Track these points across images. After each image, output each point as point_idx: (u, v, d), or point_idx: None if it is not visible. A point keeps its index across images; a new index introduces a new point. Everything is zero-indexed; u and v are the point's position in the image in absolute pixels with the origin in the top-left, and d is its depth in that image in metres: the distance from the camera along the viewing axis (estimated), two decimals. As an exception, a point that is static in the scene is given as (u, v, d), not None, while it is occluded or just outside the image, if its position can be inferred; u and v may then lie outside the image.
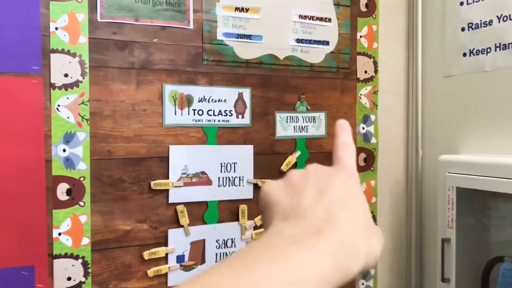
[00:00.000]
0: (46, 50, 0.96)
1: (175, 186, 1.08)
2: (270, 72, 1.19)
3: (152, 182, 1.06)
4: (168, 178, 1.08)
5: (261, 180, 1.17)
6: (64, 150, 0.98)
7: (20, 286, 0.95)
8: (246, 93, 1.16)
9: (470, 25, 1.17)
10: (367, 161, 1.32)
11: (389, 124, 1.36)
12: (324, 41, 1.24)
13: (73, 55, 0.99)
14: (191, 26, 1.10)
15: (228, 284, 0.27)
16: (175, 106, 1.09)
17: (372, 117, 1.32)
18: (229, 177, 1.14)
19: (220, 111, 1.13)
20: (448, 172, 1.11)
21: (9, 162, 0.94)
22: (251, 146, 1.17)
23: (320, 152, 1.25)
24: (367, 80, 1.31)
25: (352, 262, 0.32)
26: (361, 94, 1.30)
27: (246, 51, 1.16)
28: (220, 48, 1.13)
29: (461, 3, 1.19)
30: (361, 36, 1.30)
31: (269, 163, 1.19)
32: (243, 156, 1.16)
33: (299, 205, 0.35)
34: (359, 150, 1.30)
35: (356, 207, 0.36)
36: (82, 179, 0.99)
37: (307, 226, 0.33)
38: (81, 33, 0.99)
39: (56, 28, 0.97)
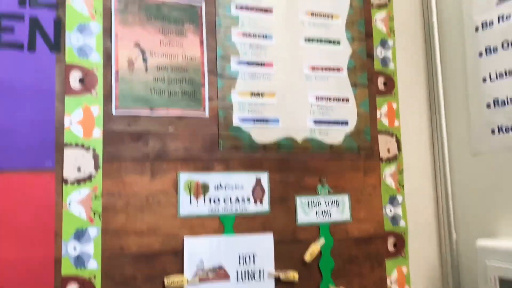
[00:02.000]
0: (59, 144, 0.95)
1: (190, 284, 1.00)
2: (288, 155, 1.15)
3: (166, 280, 0.99)
4: (182, 274, 1.01)
5: (283, 272, 1.08)
6: (74, 248, 0.93)
7: None
8: (264, 178, 1.11)
9: (495, 101, 1.12)
10: (397, 246, 1.22)
11: (418, 205, 1.28)
12: (343, 121, 1.21)
13: (87, 149, 0.97)
14: (207, 114, 1.08)
15: None
16: (190, 195, 1.04)
17: (399, 198, 1.25)
18: (248, 271, 1.06)
19: (237, 198, 1.08)
20: (488, 261, 1.01)
21: (18, 263, 0.89)
22: (271, 234, 1.10)
23: (346, 239, 1.17)
24: (390, 160, 1.25)
25: None
26: (385, 174, 1.24)
27: (263, 135, 1.13)
28: (236, 133, 1.10)
29: (484, 80, 1.16)
30: (381, 115, 1.26)
31: (291, 252, 1.12)
32: (262, 245, 1.08)
33: None
34: (387, 235, 1.22)
35: None
36: (92, 278, 0.94)
37: None
38: (96, 126, 0.99)
39: (71, 123, 0.97)
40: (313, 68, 1.20)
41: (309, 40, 1.21)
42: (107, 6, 1.03)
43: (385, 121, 1.27)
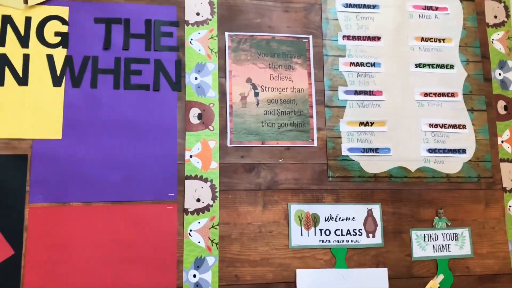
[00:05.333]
0: (181, 177, 1.02)
1: (304, 316, 1.00)
2: (401, 186, 1.10)
3: (280, 311, 0.99)
4: (296, 306, 1.01)
5: (400, 309, 1.03)
6: (194, 276, 0.98)
7: None
8: (376, 209, 1.08)
9: None
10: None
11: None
12: (460, 149, 1.14)
13: (205, 180, 1.03)
14: (315, 144, 1.09)
15: None
16: (301, 226, 1.05)
17: (528, 233, 1.13)
18: (362, 305, 1.03)
19: (348, 230, 1.06)
20: None
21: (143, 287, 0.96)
22: (385, 270, 1.05)
23: (467, 275, 1.09)
24: (516, 190, 1.14)
25: None
26: (510, 207, 1.13)
27: (373, 165, 1.10)
28: (345, 163, 1.09)
29: None
30: (502, 141, 1.17)
31: (407, 288, 1.06)
32: (376, 281, 1.04)
33: None
34: (516, 273, 1.10)
35: None
36: (209, 306, 0.97)
37: None
38: (213, 159, 1.04)
39: (191, 156, 1.03)
40: (425, 94, 1.15)
41: (420, 65, 1.17)
42: (222, 46, 1.09)
43: (507, 147, 1.17)
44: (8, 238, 0.93)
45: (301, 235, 1.04)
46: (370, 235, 1.07)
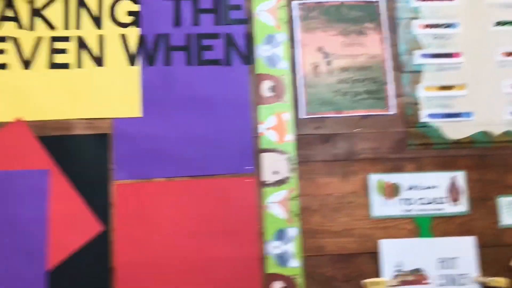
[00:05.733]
0: (257, 150, 1.02)
1: (390, 287, 0.98)
2: (485, 151, 1.05)
3: (366, 281, 0.98)
4: (380, 276, 0.99)
5: (491, 278, 0.99)
6: (277, 247, 0.98)
7: None
8: (460, 177, 1.03)
9: None
10: None
11: None
12: (548, 110, 1.07)
13: (281, 152, 1.02)
14: (393, 112, 1.05)
15: None
16: (382, 196, 1.02)
17: None
18: (449, 275, 0.99)
19: (431, 199, 1.03)
20: None
21: (228, 260, 0.97)
22: (473, 238, 1.01)
23: (562, 243, 1.03)
24: None
25: None
26: None
27: (454, 131, 1.05)
28: (425, 130, 1.05)
29: None
30: None
31: (496, 257, 1.01)
32: (463, 250, 1.00)
33: None
34: None
35: None
36: (294, 276, 0.97)
37: None
38: (288, 131, 1.03)
39: (266, 129, 1.02)
40: (508, 54, 1.08)
41: (500, 23, 1.09)
42: (290, 15, 1.07)
43: None
44: (98, 214, 0.97)
45: (383, 205, 1.02)
46: (455, 203, 1.03)
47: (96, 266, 0.95)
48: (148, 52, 1.03)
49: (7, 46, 1.01)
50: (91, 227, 0.96)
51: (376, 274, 0.99)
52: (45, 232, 0.95)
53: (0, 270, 0.93)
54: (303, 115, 1.04)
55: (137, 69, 1.03)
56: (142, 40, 1.04)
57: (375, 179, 1.02)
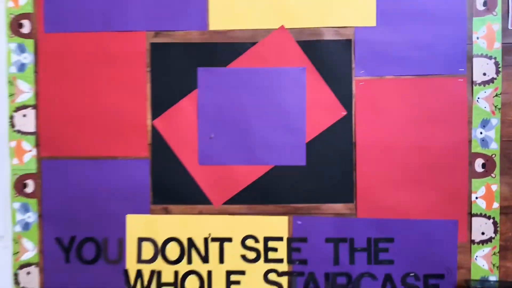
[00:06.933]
0: (470, 55, 1.25)
1: None
2: None
3: (554, 161, 1.25)
4: None
5: None
6: (481, 133, 1.26)
7: (445, 236, 1.27)
8: None
9: None
10: None
11: None
12: None
13: (489, 58, 1.25)
14: None
15: None
16: None
17: None
18: None
19: None
20: None
21: (443, 142, 1.26)
22: None
23: None
24: None
25: None
26: None
27: None
28: None
29: None
30: None
31: None
32: None
33: None
34: None
35: None
36: (493, 156, 1.25)
37: None
38: (496, 40, 1.25)
39: (478, 38, 1.25)
40: None
41: None
42: None
43: None
44: (342, 102, 1.27)
45: None
46: None
47: (341, 141, 1.28)
48: (382, -28, 1.26)
49: (272, -34, 1.28)
50: (337, 111, 1.28)
51: (559, 157, 1.25)
52: (304, 114, 1.28)
53: (269, 139, 1.28)
54: (510, 26, 1.24)
55: (373, -14, 1.26)
56: (377, -39, 1.26)
57: None
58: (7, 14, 1.28)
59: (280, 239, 1.29)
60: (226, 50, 1.28)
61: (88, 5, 1.27)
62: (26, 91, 1.28)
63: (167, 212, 1.29)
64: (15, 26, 1.28)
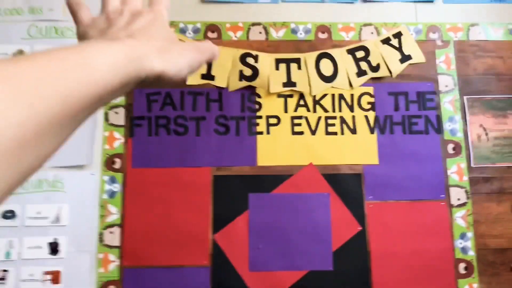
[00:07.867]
0: (447, 185, 1.73)
1: (530, 268, 1.67)
2: None
3: (515, 264, 1.67)
4: (522, 262, 1.68)
5: None
6: (460, 243, 1.68)
7: (442, 324, 1.63)
8: None
9: None
10: None
11: None
12: None
13: (461, 187, 1.72)
14: (525, 164, 1.76)
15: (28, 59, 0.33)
16: (520, 215, 1.72)
17: None
18: None
19: (551, 218, 1.72)
20: None
21: (432, 251, 1.67)
22: None
23: None
24: None
25: (144, 60, 0.39)
26: None
27: None
28: (545, 176, 1.75)
29: None
30: None
31: None
32: None
33: (107, 31, 0.44)
34: None
35: (157, 32, 0.44)
36: (471, 260, 1.67)
37: (108, 38, 0.42)
38: (464, 174, 1.74)
39: (451, 173, 1.73)
40: None
41: None
42: (462, 104, 1.79)
43: None
44: (358, 220, 1.69)
45: (521, 220, 1.71)
46: None
47: (359, 250, 1.67)
48: (380, 126, 1.76)
49: (302, 121, 1.76)
50: (354, 227, 1.69)
51: (519, 261, 1.68)
52: (330, 229, 1.68)
53: (304, 250, 1.66)
54: (472, 164, 1.75)
55: (375, 136, 1.75)
56: (376, 119, 1.77)
57: (517, 205, 1.72)
58: (103, 154, 1.67)
59: (314, 332, 1.60)
60: (270, 180, 1.70)
61: (167, 148, 1.69)
62: (114, 213, 1.63)
63: (223, 311, 1.59)
64: (109, 163, 1.67)
